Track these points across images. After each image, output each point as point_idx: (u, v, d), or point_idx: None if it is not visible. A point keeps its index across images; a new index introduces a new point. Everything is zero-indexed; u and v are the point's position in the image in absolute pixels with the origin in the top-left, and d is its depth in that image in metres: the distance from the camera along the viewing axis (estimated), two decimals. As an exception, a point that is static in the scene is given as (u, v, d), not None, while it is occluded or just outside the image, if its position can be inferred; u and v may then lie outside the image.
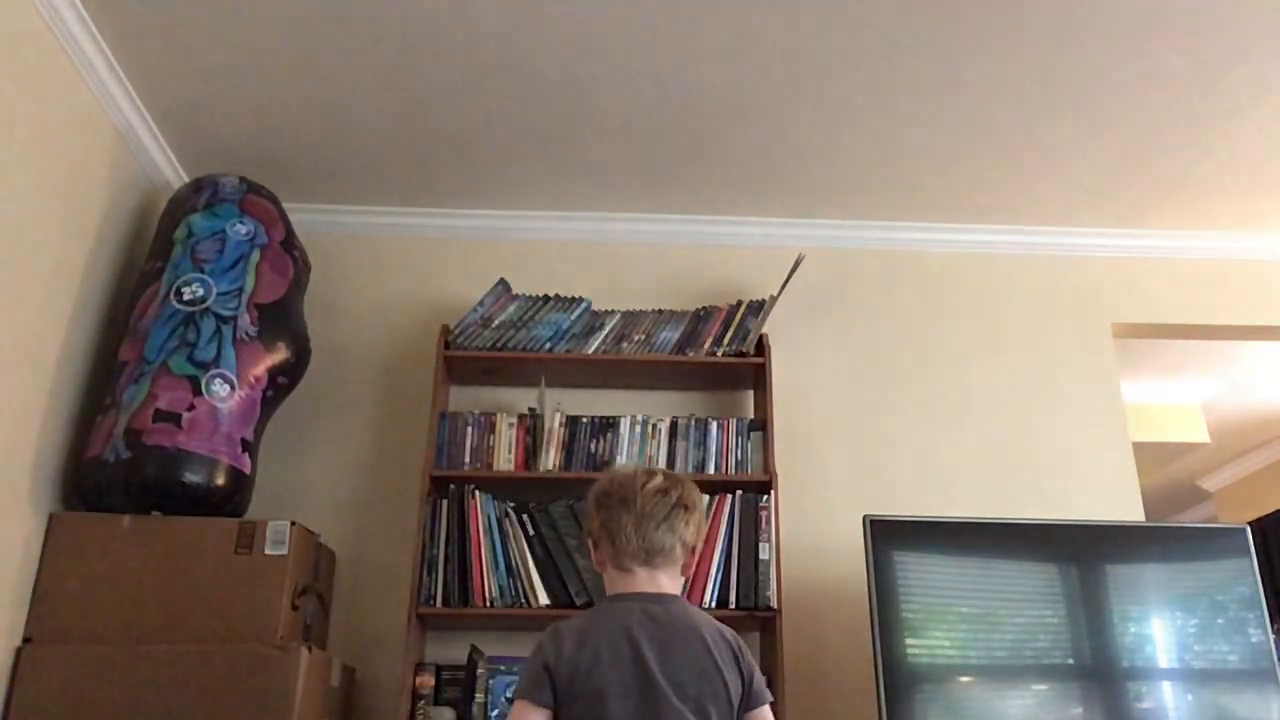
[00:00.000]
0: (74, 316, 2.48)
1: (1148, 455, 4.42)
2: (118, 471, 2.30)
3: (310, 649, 2.22)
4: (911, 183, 3.02)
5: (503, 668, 2.57)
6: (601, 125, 2.75)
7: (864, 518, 2.51)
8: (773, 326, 2.96)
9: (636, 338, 2.88)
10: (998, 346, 3.16)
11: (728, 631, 1.57)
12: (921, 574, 2.49)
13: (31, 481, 2.28)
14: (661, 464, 2.75)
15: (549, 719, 1.47)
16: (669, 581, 1.60)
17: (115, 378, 2.43)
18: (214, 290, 2.50)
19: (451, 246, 3.19)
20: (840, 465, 2.98)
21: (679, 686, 1.45)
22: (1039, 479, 2.98)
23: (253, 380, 2.49)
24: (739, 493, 2.67)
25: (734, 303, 2.96)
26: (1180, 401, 4.81)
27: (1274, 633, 2.54)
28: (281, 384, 2.59)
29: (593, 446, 2.74)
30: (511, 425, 2.76)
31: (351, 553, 2.78)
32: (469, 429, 2.75)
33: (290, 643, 2.21)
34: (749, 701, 1.52)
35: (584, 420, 2.77)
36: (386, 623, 2.69)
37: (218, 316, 2.48)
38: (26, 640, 2.20)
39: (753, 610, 2.55)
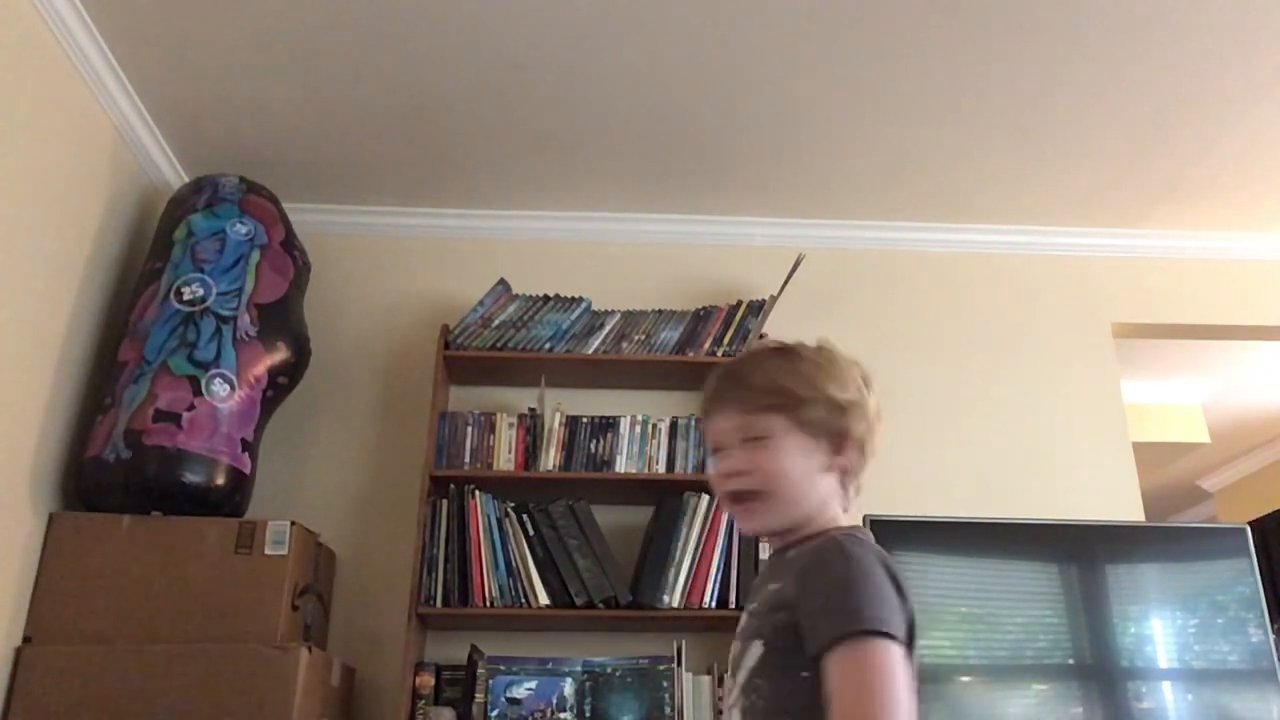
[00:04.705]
0: (74, 316, 2.48)
1: (1148, 455, 4.41)
2: (118, 471, 2.30)
3: (310, 649, 2.22)
4: (911, 183, 3.02)
5: (503, 668, 2.57)
6: (602, 125, 2.74)
7: (864, 518, 2.51)
8: (773, 326, 2.96)
9: (636, 338, 2.88)
10: (998, 346, 3.16)
11: None
12: (922, 574, 2.49)
13: (31, 481, 2.28)
14: (661, 464, 2.74)
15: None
16: None
17: (115, 378, 2.43)
18: (214, 290, 2.50)
19: (451, 246, 3.19)
20: (840, 465, 2.97)
21: None
22: (1039, 479, 2.98)
23: (253, 380, 2.49)
24: (739, 493, 2.66)
25: (734, 303, 2.96)
26: (1180, 401, 4.81)
27: (1274, 633, 2.54)
28: (281, 384, 2.59)
29: (593, 446, 2.74)
30: (511, 425, 2.76)
31: (351, 553, 2.78)
32: (469, 429, 2.75)
33: (290, 643, 2.21)
34: None
35: (584, 420, 2.77)
36: (386, 623, 2.69)
37: (218, 316, 2.48)
38: (26, 640, 2.20)
39: (753, 610, 2.55)
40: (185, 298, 2.48)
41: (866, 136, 2.79)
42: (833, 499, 1.21)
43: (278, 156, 2.88)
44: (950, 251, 3.27)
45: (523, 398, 2.91)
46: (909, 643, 1.04)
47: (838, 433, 1.20)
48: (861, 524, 1.47)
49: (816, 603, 1.05)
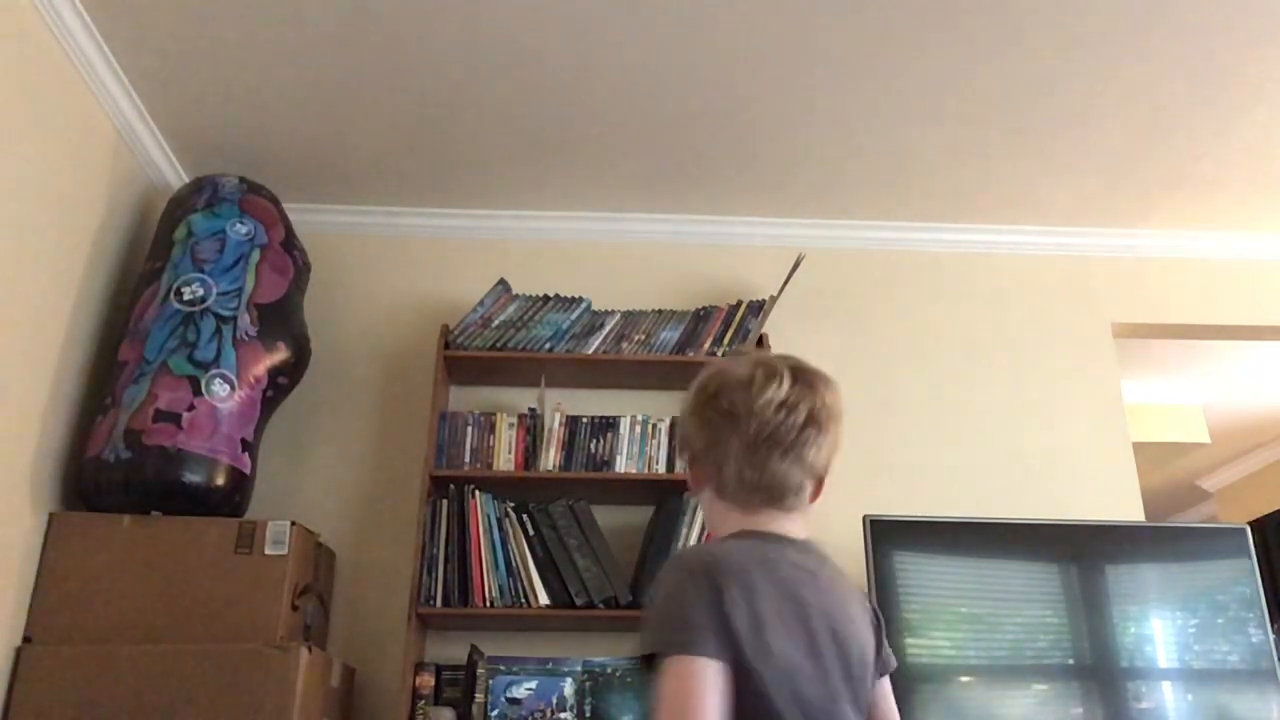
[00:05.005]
0: (74, 316, 2.48)
1: (1148, 455, 4.42)
2: (118, 471, 2.30)
3: (310, 649, 2.22)
4: (911, 183, 3.02)
5: (503, 668, 2.57)
6: (602, 125, 2.75)
7: (864, 518, 2.51)
8: (773, 326, 2.96)
9: (636, 338, 2.88)
10: (998, 346, 3.16)
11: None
12: (921, 574, 2.49)
13: (31, 481, 2.28)
14: (661, 464, 2.74)
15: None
16: (803, 524, 1.22)
17: (115, 378, 2.43)
18: (214, 290, 2.50)
19: (451, 246, 3.19)
20: (840, 465, 2.95)
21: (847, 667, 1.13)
22: (1039, 479, 2.98)
23: (253, 380, 2.49)
24: (739, 493, 2.66)
25: (734, 303, 2.96)
26: (1180, 401, 4.81)
27: (1274, 633, 2.54)
28: (281, 384, 2.59)
29: (593, 446, 2.74)
30: (511, 425, 2.76)
31: (351, 553, 2.78)
32: (469, 429, 2.75)
33: (290, 643, 2.21)
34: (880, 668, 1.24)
35: (584, 420, 2.77)
36: (386, 623, 2.69)
37: (218, 316, 2.48)
38: (26, 640, 2.20)
39: (753, 610, 2.55)
40: (185, 298, 2.48)
41: (866, 136, 2.79)
42: (726, 515, 1.22)
43: (278, 156, 2.88)
44: (950, 251, 3.27)
45: (523, 398, 2.91)
46: (735, 642, 1.05)
47: (693, 456, 1.25)
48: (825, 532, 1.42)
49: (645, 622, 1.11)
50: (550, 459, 2.70)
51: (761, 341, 2.87)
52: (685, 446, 1.27)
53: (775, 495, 1.20)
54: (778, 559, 1.15)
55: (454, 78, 2.55)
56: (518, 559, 2.59)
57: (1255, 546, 2.59)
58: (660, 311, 2.98)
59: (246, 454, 2.46)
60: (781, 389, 1.19)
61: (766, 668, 1.06)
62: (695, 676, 1.02)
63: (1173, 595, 2.52)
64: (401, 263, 3.16)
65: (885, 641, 1.26)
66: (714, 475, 1.22)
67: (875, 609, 1.28)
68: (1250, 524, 2.75)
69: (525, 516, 2.63)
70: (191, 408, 2.35)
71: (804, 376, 1.22)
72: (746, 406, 1.18)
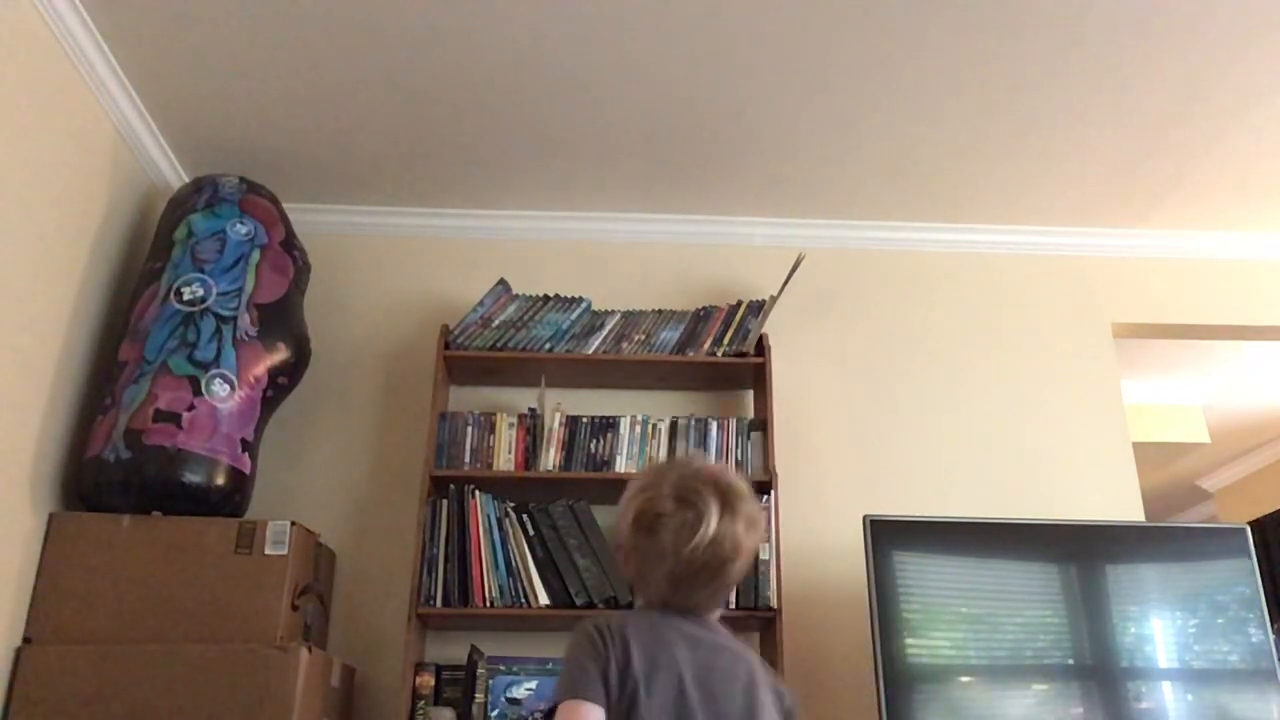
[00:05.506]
0: (74, 316, 2.48)
1: (1148, 455, 4.42)
2: (118, 471, 2.30)
3: (310, 649, 2.22)
4: (911, 183, 3.02)
5: (503, 668, 2.57)
6: (602, 125, 2.75)
7: (864, 518, 2.51)
8: (773, 326, 2.96)
9: (636, 338, 2.88)
10: (998, 346, 3.16)
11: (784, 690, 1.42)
12: (921, 574, 2.49)
13: (31, 481, 2.28)
14: (661, 464, 2.75)
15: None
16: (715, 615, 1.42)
17: (115, 378, 2.43)
18: (214, 290, 2.51)
19: (451, 246, 3.19)
20: (840, 465, 2.98)
21: None
22: (1039, 479, 2.98)
23: (253, 380, 2.49)
24: (739, 493, 2.66)
25: (734, 303, 2.96)
26: (1180, 401, 4.81)
27: (1274, 633, 2.54)
28: (281, 384, 2.60)
29: (593, 446, 2.74)
30: (511, 425, 2.76)
31: (351, 553, 2.78)
32: (469, 429, 2.75)
33: (290, 643, 2.21)
34: None
35: (584, 420, 2.77)
36: (386, 623, 2.69)
37: (218, 316, 2.48)
38: (26, 640, 2.20)
39: (753, 610, 2.55)
40: (185, 298, 2.48)
41: (866, 136, 2.79)
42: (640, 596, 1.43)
43: (278, 156, 2.88)
44: (950, 251, 3.27)
45: (523, 398, 2.91)
46: (621, 676, 1.27)
47: (624, 559, 1.43)
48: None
49: None
50: (550, 459, 2.70)
51: (761, 341, 2.87)
52: (618, 545, 1.43)
53: (691, 610, 1.37)
54: (667, 631, 1.33)
55: (454, 78, 2.55)
56: (518, 559, 2.59)
57: (1255, 546, 2.59)
58: (660, 311, 2.98)
59: (246, 454, 2.46)
60: (709, 529, 1.32)
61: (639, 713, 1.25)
62: (578, 714, 1.24)
63: (1173, 595, 2.52)
64: (401, 263, 3.16)
65: None
66: (649, 584, 1.38)
67: (783, 691, 1.41)
68: (1250, 524, 2.75)
69: (525, 516, 2.63)
70: (191, 408, 2.35)
71: (729, 504, 1.35)
72: (675, 548, 1.32)
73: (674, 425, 2.79)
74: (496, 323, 2.86)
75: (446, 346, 2.82)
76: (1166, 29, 2.36)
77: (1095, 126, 2.73)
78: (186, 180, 2.89)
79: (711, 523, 1.32)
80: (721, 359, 2.84)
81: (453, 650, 2.62)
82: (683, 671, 1.29)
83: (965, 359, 3.14)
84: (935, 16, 2.32)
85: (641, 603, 1.42)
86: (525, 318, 2.87)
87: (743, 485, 1.39)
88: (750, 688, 1.33)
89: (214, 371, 2.41)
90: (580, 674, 1.27)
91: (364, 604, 2.74)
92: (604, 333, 2.88)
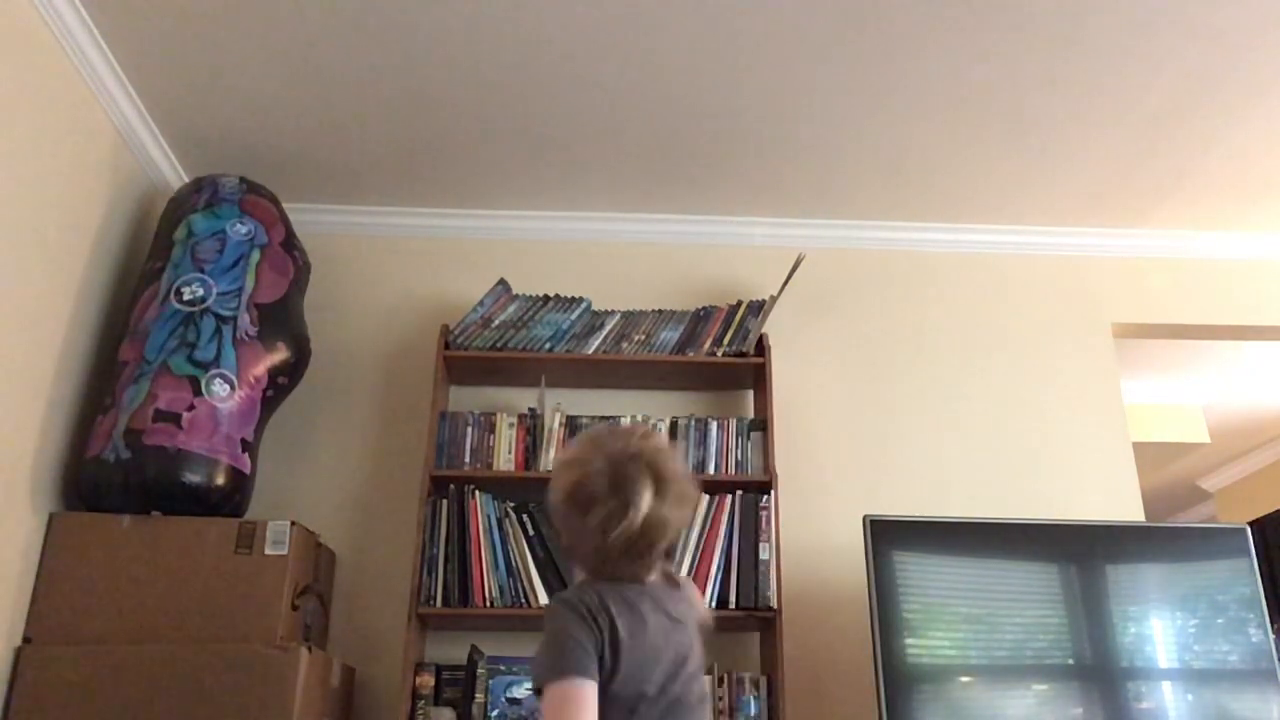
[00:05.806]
0: (74, 316, 2.48)
1: (1148, 455, 4.42)
2: (118, 471, 2.30)
3: (310, 649, 2.22)
4: (911, 183, 3.02)
5: (503, 668, 2.57)
6: (602, 125, 2.74)
7: (864, 518, 2.51)
8: (773, 326, 2.96)
9: (636, 338, 2.88)
10: (998, 346, 3.16)
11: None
12: (921, 574, 2.49)
13: (31, 481, 2.28)
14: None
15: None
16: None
17: (115, 378, 2.43)
18: (214, 290, 2.50)
19: (451, 246, 3.19)
20: (840, 465, 2.98)
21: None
22: (1039, 479, 2.98)
23: (253, 380, 2.49)
24: (739, 493, 2.67)
25: (734, 303, 2.96)
26: (1180, 401, 4.81)
27: (1274, 633, 2.54)
28: (281, 384, 2.59)
29: (593, 446, 2.74)
30: (511, 425, 2.76)
31: (351, 553, 2.78)
32: (469, 429, 2.75)
33: (290, 643, 2.21)
34: None
35: (584, 420, 2.77)
36: (386, 623, 2.69)
37: (218, 316, 2.48)
38: (26, 640, 2.20)
39: (753, 610, 2.55)
40: (185, 298, 2.48)
41: (866, 136, 2.79)
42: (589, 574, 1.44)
43: (278, 156, 2.88)
44: (950, 251, 3.27)
45: (523, 398, 2.91)
46: (613, 652, 1.29)
47: (560, 533, 1.50)
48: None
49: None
50: (550, 459, 2.70)
51: (761, 341, 2.87)
52: (555, 521, 1.48)
53: (629, 578, 1.39)
54: (640, 601, 1.36)
55: (454, 78, 2.54)
56: (518, 559, 2.59)
57: (1255, 546, 2.59)
58: (660, 311, 2.98)
59: (246, 454, 2.46)
60: (638, 516, 1.33)
61: (619, 680, 1.28)
62: (570, 694, 1.25)
63: (1173, 595, 2.52)
64: (401, 263, 3.16)
65: None
66: (577, 555, 1.44)
67: (701, 610, 1.51)
68: (1250, 524, 2.75)
69: (525, 516, 2.64)
70: (191, 408, 2.35)
71: (659, 489, 1.35)
72: (603, 529, 1.34)
73: (674, 425, 2.79)
74: (496, 323, 2.86)
75: (446, 346, 2.82)
76: (1166, 29, 2.36)
77: (1095, 126, 2.73)
78: (186, 180, 2.89)
79: (642, 509, 1.33)
80: (721, 359, 2.84)
81: (453, 650, 2.62)
82: (657, 642, 1.34)
83: (965, 359, 3.14)
84: (935, 17, 2.32)
85: (583, 574, 1.45)
86: (525, 318, 2.87)
87: (675, 463, 1.40)
88: (695, 639, 1.42)
89: (214, 371, 2.41)
90: (575, 649, 1.28)
91: (364, 604, 2.74)
92: (604, 333, 2.88)
